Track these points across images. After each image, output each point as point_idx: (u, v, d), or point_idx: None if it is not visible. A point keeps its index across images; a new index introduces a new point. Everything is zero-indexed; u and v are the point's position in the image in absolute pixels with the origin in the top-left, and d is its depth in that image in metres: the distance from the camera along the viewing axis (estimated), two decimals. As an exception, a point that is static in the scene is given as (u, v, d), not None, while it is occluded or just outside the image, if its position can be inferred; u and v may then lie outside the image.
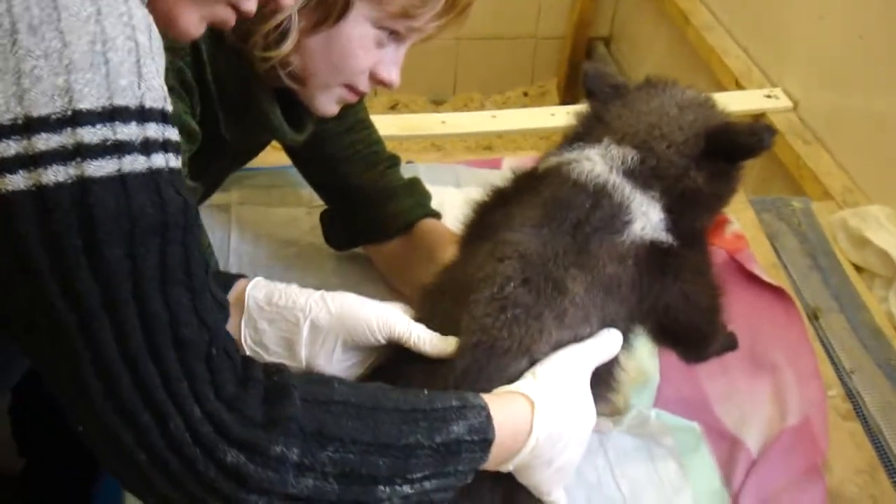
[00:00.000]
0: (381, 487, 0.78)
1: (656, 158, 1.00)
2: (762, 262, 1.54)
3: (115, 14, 0.66)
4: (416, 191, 1.41)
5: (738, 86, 2.27)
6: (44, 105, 0.63)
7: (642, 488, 1.17)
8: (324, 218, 1.45)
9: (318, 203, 1.50)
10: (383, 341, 0.94)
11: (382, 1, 1.07)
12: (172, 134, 0.71)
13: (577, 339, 0.94)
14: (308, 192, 1.54)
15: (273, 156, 1.55)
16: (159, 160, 0.69)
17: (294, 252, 1.47)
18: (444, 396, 0.84)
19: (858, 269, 1.64)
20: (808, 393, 1.32)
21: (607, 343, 0.95)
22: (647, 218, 0.98)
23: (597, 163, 1.00)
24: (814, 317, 1.50)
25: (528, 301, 0.93)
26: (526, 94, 3.36)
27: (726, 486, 1.19)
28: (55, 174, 0.64)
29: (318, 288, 1.39)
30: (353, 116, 1.39)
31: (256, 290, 0.97)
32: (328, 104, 1.19)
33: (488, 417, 0.83)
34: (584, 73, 1.11)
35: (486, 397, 0.86)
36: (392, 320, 0.94)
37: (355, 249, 1.46)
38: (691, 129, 1.02)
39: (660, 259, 0.99)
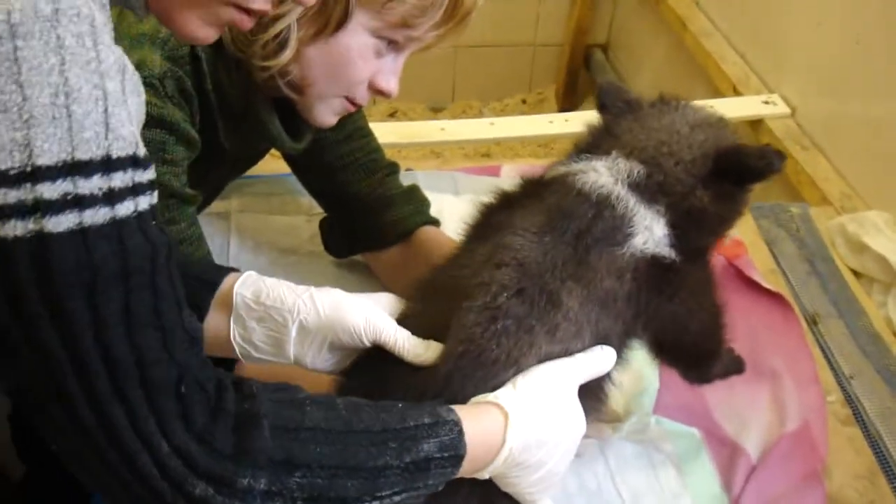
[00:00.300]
0: None
1: (663, 174, 1.00)
2: (761, 268, 1.54)
3: (80, 62, 0.65)
4: (414, 198, 1.41)
5: (736, 92, 2.27)
6: (2, 160, 0.63)
7: (642, 495, 1.17)
8: (323, 226, 1.46)
9: (318, 211, 1.51)
10: (369, 345, 0.95)
11: (381, 11, 1.07)
12: (146, 175, 0.71)
13: (568, 353, 0.94)
14: (307, 201, 1.55)
15: (272, 164, 1.56)
16: (125, 208, 0.68)
17: (294, 260, 1.47)
18: (416, 412, 0.84)
19: (857, 274, 1.64)
20: (808, 398, 1.33)
21: (598, 359, 0.95)
22: (651, 232, 0.98)
23: (603, 174, 1.00)
24: (813, 322, 1.50)
25: (521, 313, 0.92)
26: (524, 102, 3.36)
27: (726, 491, 1.19)
28: (14, 228, 0.64)
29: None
30: (352, 125, 1.39)
31: (245, 288, 0.96)
32: (327, 115, 1.19)
33: (460, 433, 0.84)
34: (599, 88, 1.11)
35: (460, 408, 0.86)
36: (379, 326, 0.93)
37: (355, 257, 1.46)
38: (700, 148, 1.02)
39: (660, 274, 0.99)
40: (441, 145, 2.23)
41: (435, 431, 0.83)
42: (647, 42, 3.03)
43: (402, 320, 0.96)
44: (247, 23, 0.82)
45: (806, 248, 1.65)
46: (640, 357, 1.08)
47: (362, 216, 1.40)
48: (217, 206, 1.51)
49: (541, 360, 0.92)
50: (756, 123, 2.15)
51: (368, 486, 0.80)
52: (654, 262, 0.98)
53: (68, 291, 0.66)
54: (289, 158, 1.44)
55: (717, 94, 2.35)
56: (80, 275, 0.66)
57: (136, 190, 0.69)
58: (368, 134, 1.43)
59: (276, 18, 1.05)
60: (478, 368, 0.91)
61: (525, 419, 0.87)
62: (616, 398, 1.27)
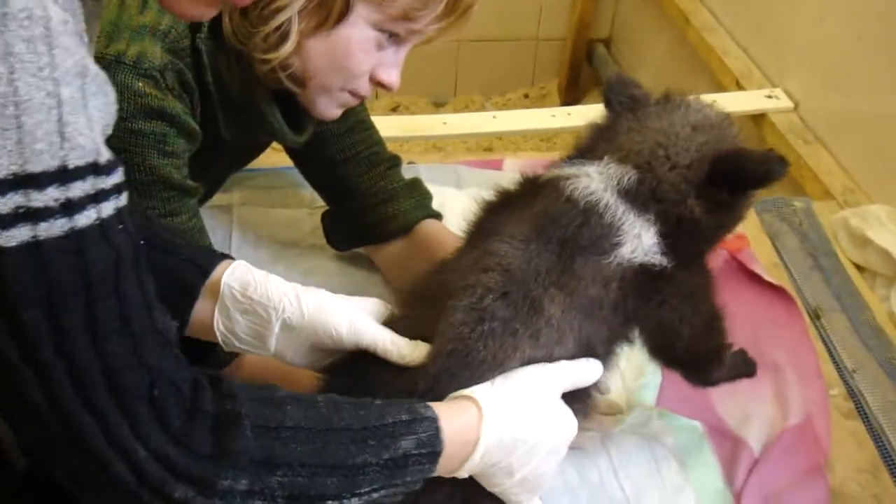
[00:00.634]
0: (330, 503, 0.80)
1: (657, 180, 0.97)
2: (763, 262, 1.54)
3: (31, 70, 0.62)
4: (416, 192, 1.41)
5: (739, 86, 2.27)
6: None
7: (645, 488, 1.17)
8: (325, 219, 1.46)
9: (320, 204, 1.50)
10: (350, 348, 0.95)
11: (383, 3, 1.07)
12: (110, 180, 0.69)
13: (552, 358, 0.93)
14: (309, 194, 1.54)
15: (274, 157, 1.55)
16: (86, 218, 0.67)
17: (296, 253, 1.47)
18: (395, 409, 0.84)
19: (860, 268, 1.64)
20: (810, 392, 1.33)
21: (584, 370, 0.94)
22: (640, 241, 0.96)
23: (593, 180, 0.98)
24: (815, 316, 1.50)
25: (506, 315, 0.92)
26: (527, 96, 3.36)
27: (728, 485, 1.19)
28: None
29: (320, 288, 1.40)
30: (354, 117, 1.39)
31: (233, 279, 0.97)
32: (329, 108, 1.19)
33: (437, 430, 0.84)
34: (606, 82, 1.09)
35: (437, 405, 0.86)
36: (361, 330, 0.93)
37: (357, 250, 1.46)
38: (699, 152, 0.98)
39: (649, 282, 0.97)
40: (443, 139, 2.22)
41: (413, 428, 0.83)
42: (649, 36, 3.02)
43: (391, 323, 0.96)
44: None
45: (809, 243, 1.65)
46: (644, 350, 1.08)
47: (364, 209, 1.40)
48: (219, 198, 1.51)
49: (524, 363, 0.92)
50: (759, 118, 2.15)
51: (348, 483, 0.80)
52: (642, 271, 0.96)
53: (25, 304, 0.65)
54: (290, 151, 1.44)
55: (720, 88, 2.35)
56: (36, 288, 0.65)
57: (98, 197, 0.67)
58: (370, 127, 1.42)
59: (278, 10, 1.05)
60: (465, 368, 0.91)
61: (500, 416, 0.87)
62: (619, 391, 1.27)
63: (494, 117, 1.99)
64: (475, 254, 0.98)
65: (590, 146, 1.04)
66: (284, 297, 0.95)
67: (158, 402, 0.72)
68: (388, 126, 1.64)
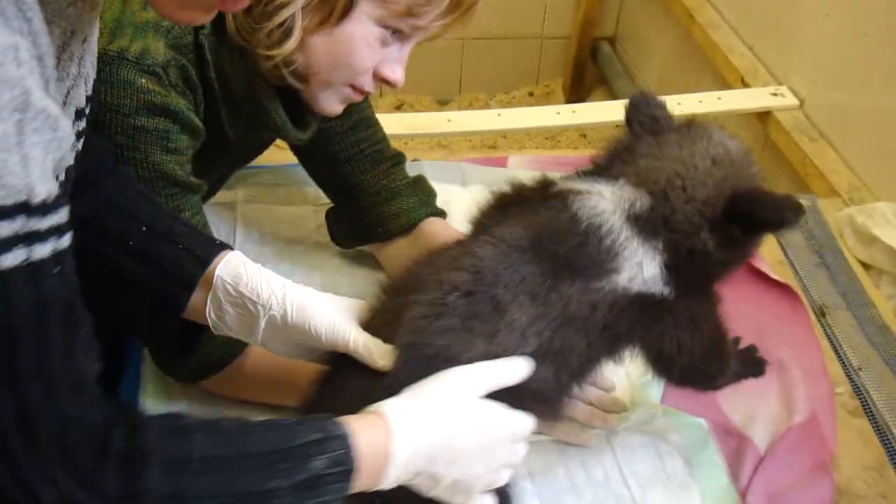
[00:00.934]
0: None
1: (671, 209, 0.96)
2: (769, 260, 1.53)
3: None
4: (420, 189, 1.41)
5: (744, 84, 2.26)
6: None
7: (650, 485, 1.16)
8: (329, 216, 1.45)
9: (324, 201, 1.50)
10: (330, 348, 0.96)
11: (386, 0, 1.07)
12: (46, 222, 0.67)
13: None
14: (314, 191, 1.54)
15: (278, 154, 1.55)
16: (12, 259, 0.65)
17: (300, 250, 1.47)
18: (306, 428, 0.83)
19: (865, 266, 1.63)
20: (816, 390, 1.32)
21: (503, 370, 0.91)
22: (640, 269, 0.94)
23: (603, 200, 0.96)
24: (821, 314, 1.49)
25: (465, 313, 0.91)
26: (531, 94, 3.35)
27: (734, 482, 1.18)
28: None
29: (323, 287, 1.39)
30: (358, 114, 1.39)
31: (226, 272, 0.99)
32: (332, 103, 1.19)
33: (349, 447, 0.83)
34: (629, 101, 1.06)
35: (349, 419, 0.85)
36: (339, 333, 0.95)
37: (361, 248, 1.46)
38: (717, 187, 0.97)
39: (648, 310, 0.96)
40: (448, 137, 2.22)
41: (324, 447, 0.82)
42: (654, 34, 3.02)
43: (372, 314, 0.98)
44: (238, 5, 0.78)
45: (814, 240, 1.65)
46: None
47: (367, 207, 1.40)
48: (223, 196, 1.51)
49: (481, 360, 0.91)
50: (764, 115, 2.15)
51: None
52: (638, 299, 0.95)
53: None
54: (295, 148, 1.43)
55: (725, 86, 2.34)
56: None
57: (29, 238, 0.66)
58: (374, 124, 1.42)
59: (281, 7, 1.04)
60: (420, 361, 0.91)
61: (411, 428, 0.85)
62: (623, 389, 1.27)
63: (499, 115, 1.99)
64: (457, 251, 0.98)
65: (607, 164, 1.02)
66: (272, 295, 0.97)
67: (68, 445, 0.71)
68: (392, 123, 1.64)
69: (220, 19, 1.10)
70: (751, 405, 1.29)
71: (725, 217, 0.96)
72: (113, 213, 1.04)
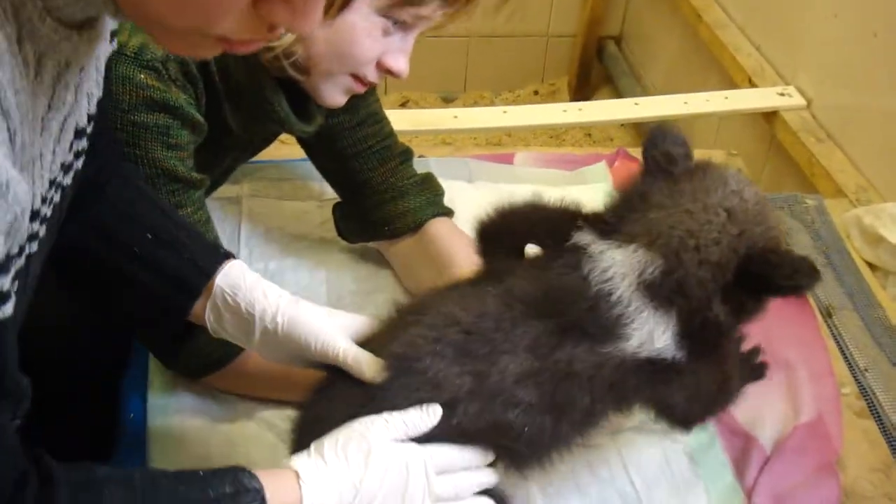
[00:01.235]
0: None
1: (684, 274, 0.91)
2: (775, 260, 1.53)
3: None
4: (427, 188, 1.40)
5: (752, 84, 2.26)
6: None
7: (655, 484, 1.16)
8: (336, 211, 1.45)
9: (329, 197, 1.50)
10: (321, 360, 0.97)
11: None
12: None
13: (494, 396, 0.91)
14: (319, 186, 1.54)
15: (284, 149, 1.55)
16: None
17: (305, 245, 1.46)
18: (218, 481, 0.82)
19: (872, 267, 1.62)
20: (822, 390, 1.31)
21: (415, 419, 0.90)
22: (651, 339, 0.91)
23: (615, 265, 0.92)
24: (827, 314, 1.49)
25: (460, 349, 0.91)
26: (537, 93, 3.35)
27: (739, 481, 1.18)
28: None
29: (328, 281, 1.40)
30: (365, 109, 1.38)
31: (225, 282, 1.01)
32: (334, 94, 1.18)
33: (263, 500, 0.82)
34: (648, 135, 1.01)
35: (261, 474, 0.84)
36: (329, 346, 0.95)
37: (367, 244, 1.45)
38: (731, 247, 0.92)
39: (657, 372, 0.93)
40: (453, 134, 2.21)
41: (237, 501, 0.81)
42: (660, 33, 3.01)
43: (375, 331, 0.98)
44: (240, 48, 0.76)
45: (821, 240, 1.64)
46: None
47: (374, 206, 1.39)
48: (228, 190, 1.51)
49: (464, 393, 0.90)
50: (771, 115, 2.14)
51: None
52: (648, 363, 0.92)
53: None
54: (303, 143, 1.43)
55: (732, 85, 2.34)
56: None
57: None
58: (382, 119, 1.41)
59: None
60: (408, 375, 0.90)
61: (320, 480, 0.85)
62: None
63: (505, 112, 1.99)
64: (468, 290, 0.98)
65: (622, 212, 0.97)
66: (267, 307, 0.99)
67: None
68: (397, 120, 1.63)
69: None
70: (757, 405, 1.28)
71: (738, 282, 0.92)
72: (118, 217, 1.04)
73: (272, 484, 0.84)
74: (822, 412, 1.28)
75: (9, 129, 0.63)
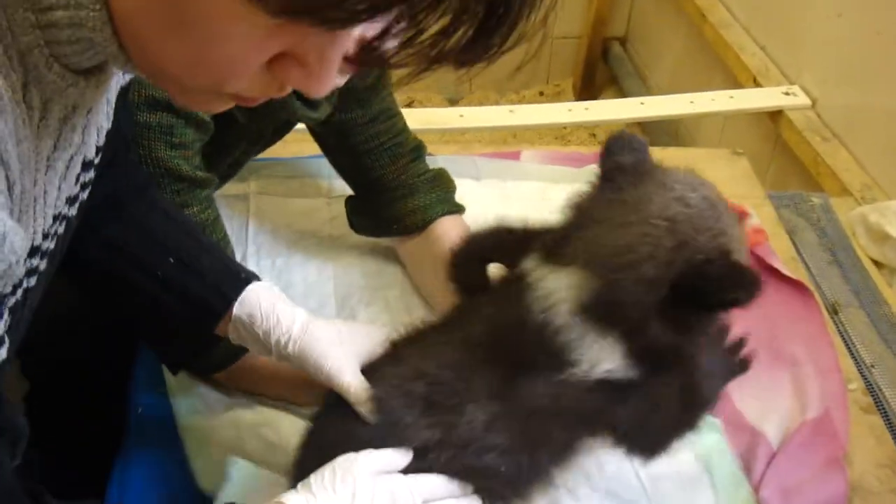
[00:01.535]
0: None
1: (620, 294, 0.86)
2: (781, 257, 1.53)
3: None
4: (438, 186, 1.40)
5: (756, 83, 2.26)
6: None
7: (661, 477, 1.16)
8: (348, 204, 1.45)
9: (338, 194, 1.50)
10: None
11: None
12: None
13: (469, 447, 0.91)
14: (327, 183, 1.54)
15: (292, 147, 1.56)
16: None
17: (313, 242, 1.47)
18: None
19: (878, 264, 1.63)
20: (829, 386, 1.32)
21: (388, 458, 0.92)
22: (599, 361, 0.88)
23: (556, 291, 0.89)
24: (833, 311, 1.49)
25: (427, 402, 0.91)
26: (542, 94, 3.36)
27: (746, 476, 1.18)
28: None
29: (335, 277, 1.40)
30: (378, 105, 1.37)
31: (242, 311, 1.03)
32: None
33: None
34: (604, 145, 0.96)
35: None
36: (336, 380, 0.97)
37: (377, 240, 1.45)
38: (667, 260, 0.86)
39: (613, 392, 0.90)
40: (459, 133, 2.22)
41: None
42: (665, 34, 3.02)
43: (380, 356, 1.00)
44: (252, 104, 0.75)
45: (826, 238, 1.64)
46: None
47: (384, 203, 1.39)
48: (235, 188, 1.51)
49: (430, 445, 0.90)
50: (776, 115, 2.15)
51: None
52: (601, 385, 0.89)
53: None
54: (317, 137, 1.42)
55: (736, 85, 2.35)
56: None
57: None
58: (395, 115, 1.40)
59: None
60: (383, 425, 0.92)
61: None
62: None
63: (511, 111, 2.00)
64: (434, 337, 0.98)
65: (569, 232, 0.92)
66: (280, 338, 1.01)
67: None
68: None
69: None
70: (763, 401, 1.29)
71: (675, 296, 0.85)
72: (141, 238, 1.06)
73: None
74: (828, 408, 1.28)
75: (7, 179, 0.63)
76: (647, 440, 0.99)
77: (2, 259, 0.62)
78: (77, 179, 0.81)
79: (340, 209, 1.46)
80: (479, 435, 0.90)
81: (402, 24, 0.58)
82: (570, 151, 1.75)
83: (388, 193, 1.38)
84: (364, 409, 0.94)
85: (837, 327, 1.46)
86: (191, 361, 1.18)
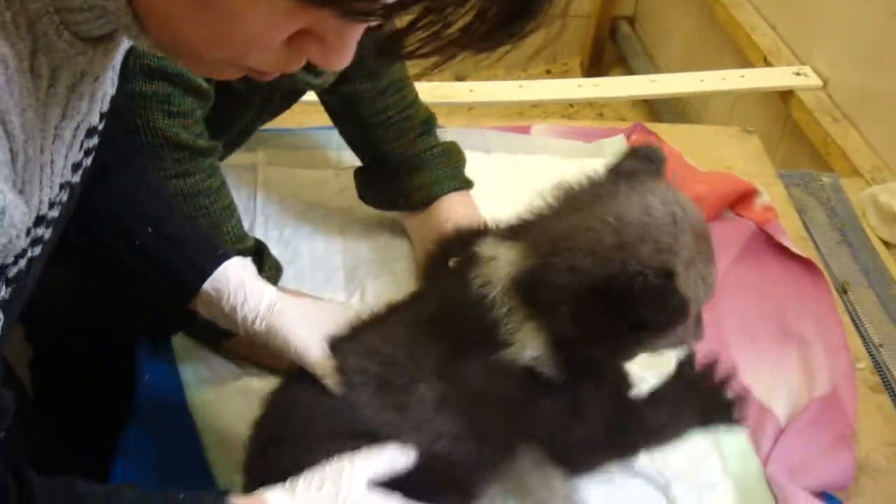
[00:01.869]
0: None
1: (550, 274, 0.85)
2: (791, 236, 1.52)
3: None
4: (445, 161, 1.39)
5: (767, 63, 2.25)
6: None
7: (671, 451, 1.15)
8: (357, 175, 1.44)
9: (346, 165, 1.50)
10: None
11: None
12: None
13: (421, 432, 0.90)
14: (336, 155, 1.54)
15: (300, 117, 1.55)
16: None
17: (321, 214, 1.46)
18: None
19: (887, 244, 1.62)
20: (837, 364, 1.31)
21: (388, 458, 0.91)
22: (524, 345, 0.87)
23: (497, 268, 0.89)
24: (842, 291, 1.49)
25: (381, 381, 0.91)
26: (549, 73, 3.34)
27: (756, 451, 1.18)
28: None
29: (344, 250, 1.39)
30: (389, 77, 1.36)
31: (212, 285, 1.03)
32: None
33: None
34: (627, 151, 0.97)
35: (240, 500, 0.85)
36: (302, 357, 0.98)
37: (385, 213, 1.45)
38: (604, 258, 0.85)
39: (535, 390, 0.89)
40: (467, 107, 2.22)
41: None
42: (675, 13, 3.00)
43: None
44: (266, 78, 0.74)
45: (836, 217, 1.64)
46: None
47: (391, 177, 1.38)
48: (244, 157, 1.50)
49: (383, 426, 0.90)
50: (787, 94, 2.14)
51: None
52: (527, 375, 0.88)
53: None
54: (328, 108, 1.41)
55: (747, 65, 2.33)
56: None
57: None
58: (405, 87, 1.39)
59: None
60: (343, 409, 0.92)
61: None
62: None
63: (521, 86, 1.99)
64: (390, 318, 0.99)
65: (530, 217, 0.93)
66: (248, 315, 1.01)
67: None
68: (414, 91, 1.63)
69: None
70: (772, 378, 1.28)
71: (599, 301, 0.84)
72: (123, 208, 1.05)
73: None
74: (836, 386, 1.28)
75: (11, 150, 0.63)
76: (571, 452, 0.97)
77: (2, 233, 0.62)
78: (81, 146, 0.80)
79: (349, 181, 1.45)
80: (429, 416, 0.90)
81: (430, 18, 0.58)
82: (580, 126, 1.74)
83: (395, 168, 1.38)
84: (331, 382, 0.94)
85: (846, 307, 1.45)
86: (183, 331, 1.17)
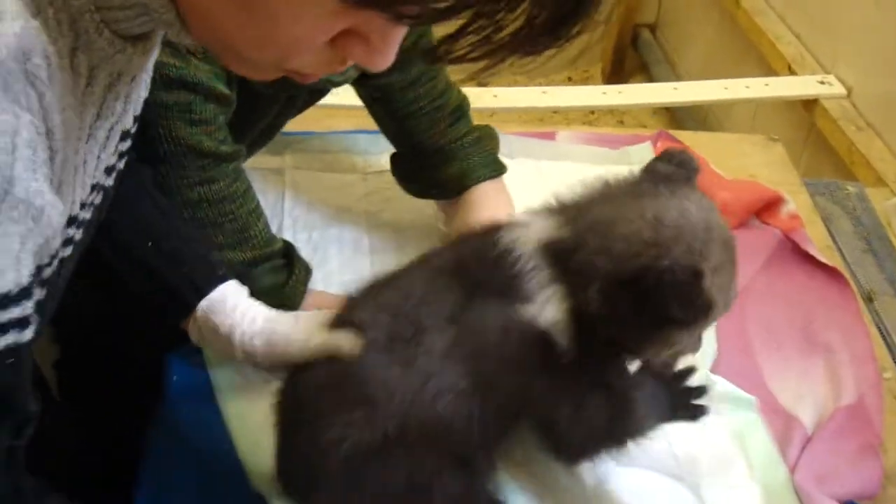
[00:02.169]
0: None
1: (578, 249, 0.89)
2: (816, 245, 1.52)
3: None
4: (478, 149, 1.39)
5: (791, 71, 2.25)
6: None
7: (696, 452, 1.15)
8: (393, 161, 1.44)
9: (373, 170, 1.51)
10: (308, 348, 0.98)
11: None
12: (4, 315, 0.62)
13: (429, 384, 0.90)
14: (363, 159, 1.54)
15: (327, 121, 1.56)
16: None
17: (348, 217, 1.47)
18: None
19: (913, 255, 1.62)
20: (864, 373, 1.31)
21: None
22: (545, 308, 0.89)
23: (529, 229, 0.93)
24: (868, 300, 1.48)
25: (390, 333, 0.92)
26: (570, 80, 3.34)
27: (783, 458, 1.18)
28: None
29: (371, 252, 1.39)
30: (418, 67, 1.35)
31: (205, 310, 1.04)
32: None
33: None
34: (664, 151, 1.00)
35: None
36: (310, 350, 0.97)
37: (413, 217, 1.45)
38: (637, 249, 0.88)
39: (546, 354, 0.91)
40: (488, 113, 2.21)
41: None
42: (697, 21, 3.00)
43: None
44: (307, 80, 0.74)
45: (862, 226, 1.63)
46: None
47: (424, 167, 1.39)
48: (270, 161, 1.51)
49: (392, 381, 0.90)
50: (811, 103, 2.13)
51: None
52: (542, 341, 0.90)
53: None
54: (364, 101, 1.42)
55: (770, 73, 2.33)
56: None
57: None
58: (435, 76, 1.38)
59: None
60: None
61: None
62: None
63: (544, 92, 1.99)
64: (402, 272, 0.99)
65: (574, 200, 0.96)
66: (245, 333, 1.02)
67: None
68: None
69: None
70: (798, 386, 1.28)
71: (624, 282, 0.87)
72: (123, 218, 1.04)
73: None
74: (863, 395, 1.28)
75: (51, 149, 0.63)
76: (567, 435, 0.98)
77: (39, 233, 0.62)
78: (115, 149, 0.80)
79: (376, 184, 1.45)
80: (435, 369, 0.90)
81: (481, 22, 0.58)
82: (605, 132, 1.74)
83: (428, 159, 1.38)
84: (347, 347, 0.93)
85: (872, 316, 1.45)
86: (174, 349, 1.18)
